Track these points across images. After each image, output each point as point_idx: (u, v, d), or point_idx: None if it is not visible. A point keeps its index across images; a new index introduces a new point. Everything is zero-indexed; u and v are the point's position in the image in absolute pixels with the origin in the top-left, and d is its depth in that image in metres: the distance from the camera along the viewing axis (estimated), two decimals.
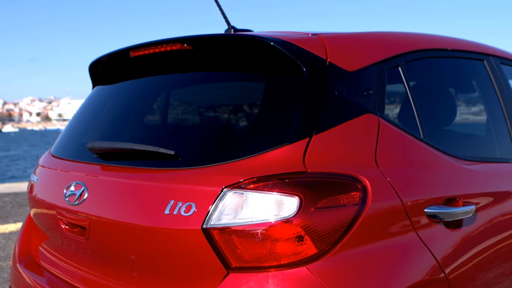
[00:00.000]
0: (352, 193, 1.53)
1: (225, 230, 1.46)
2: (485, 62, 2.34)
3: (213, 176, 1.53)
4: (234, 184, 1.48)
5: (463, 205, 1.81)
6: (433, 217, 1.72)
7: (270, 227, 1.44)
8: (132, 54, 2.05)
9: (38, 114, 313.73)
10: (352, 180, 1.54)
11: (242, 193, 1.47)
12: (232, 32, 2.05)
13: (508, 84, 2.44)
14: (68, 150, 2.23)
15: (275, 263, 1.45)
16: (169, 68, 2.01)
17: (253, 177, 1.49)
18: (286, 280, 1.44)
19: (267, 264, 1.45)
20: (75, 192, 1.89)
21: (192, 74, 1.99)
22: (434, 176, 1.81)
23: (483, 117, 2.40)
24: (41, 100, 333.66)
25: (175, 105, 2.25)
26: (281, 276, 1.44)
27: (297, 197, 1.45)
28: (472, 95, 2.51)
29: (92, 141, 1.97)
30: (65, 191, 1.94)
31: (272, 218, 1.44)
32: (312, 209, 1.45)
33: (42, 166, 2.31)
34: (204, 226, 1.48)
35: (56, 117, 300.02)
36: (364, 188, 1.55)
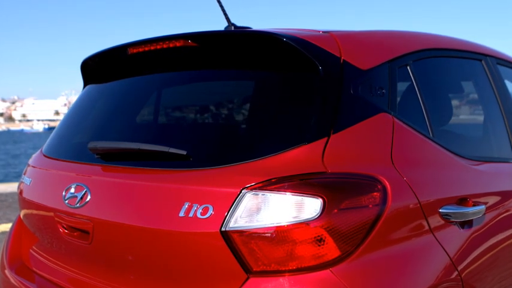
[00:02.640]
0: (373, 193, 1.49)
1: (245, 233, 1.41)
2: (483, 62, 2.36)
3: (230, 176, 1.47)
4: (253, 185, 1.43)
5: (474, 205, 1.80)
6: (446, 217, 1.71)
7: (292, 229, 1.39)
8: (131, 51, 1.97)
9: (1, 114, 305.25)
10: (372, 180, 1.51)
11: (262, 194, 1.42)
12: (233, 29, 2.00)
13: (505, 84, 2.46)
14: (62, 150, 2.13)
15: (298, 266, 1.40)
16: (174, 65, 1.93)
17: (273, 177, 1.44)
18: (309, 284, 1.39)
19: (290, 268, 1.40)
20: (75, 194, 1.80)
21: (199, 71, 1.92)
22: (446, 175, 1.80)
23: (486, 117, 2.42)
24: (4, 100, 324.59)
25: (185, 104, 2.17)
26: (304, 279, 1.40)
27: (320, 198, 1.40)
28: (475, 95, 2.53)
29: (92, 141, 1.88)
30: (63, 193, 1.85)
31: (294, 220, 1.39)
32: (336, 210, 1.41)
33: (34, 167, 2.21)
34: (223, 229, 1.42)
35: (19, 118, 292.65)
36: (384, 188, 1.52)
